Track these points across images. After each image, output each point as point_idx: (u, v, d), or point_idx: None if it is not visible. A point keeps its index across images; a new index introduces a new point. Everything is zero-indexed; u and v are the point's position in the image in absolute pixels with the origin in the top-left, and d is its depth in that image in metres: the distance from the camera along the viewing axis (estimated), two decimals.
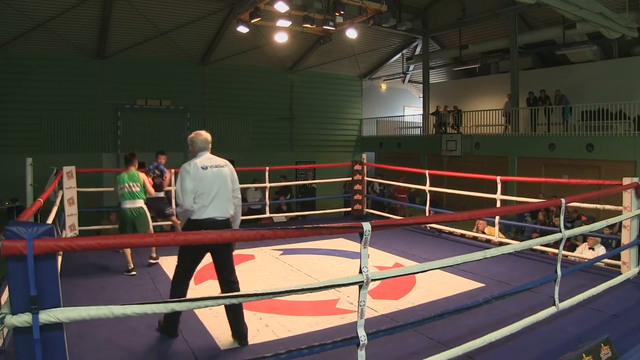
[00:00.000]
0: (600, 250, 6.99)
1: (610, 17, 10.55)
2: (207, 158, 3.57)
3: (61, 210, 5.93)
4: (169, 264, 5.53)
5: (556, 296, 3.63)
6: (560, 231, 3.69)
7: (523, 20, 15.23)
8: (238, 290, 3.44)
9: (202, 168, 3.49)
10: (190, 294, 4.47)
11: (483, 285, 4.78)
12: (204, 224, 3.37)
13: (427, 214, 7.43)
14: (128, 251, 5.12)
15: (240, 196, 3.71)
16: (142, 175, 5.46)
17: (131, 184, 5.25)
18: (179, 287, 3.52)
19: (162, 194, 6.49)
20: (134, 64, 14.81)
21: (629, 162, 11.19)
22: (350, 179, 8.80)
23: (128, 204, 5.23)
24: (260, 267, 5.41)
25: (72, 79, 14.03)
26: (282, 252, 6.25)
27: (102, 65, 14.51)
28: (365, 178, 8.74)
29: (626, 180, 4.81)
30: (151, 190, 5.57)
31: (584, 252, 7.15)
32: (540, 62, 16.94)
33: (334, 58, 17.78)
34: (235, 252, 5.82)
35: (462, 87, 19.27)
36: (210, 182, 3.45)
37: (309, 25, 10.98)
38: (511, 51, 14.94)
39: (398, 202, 12.03)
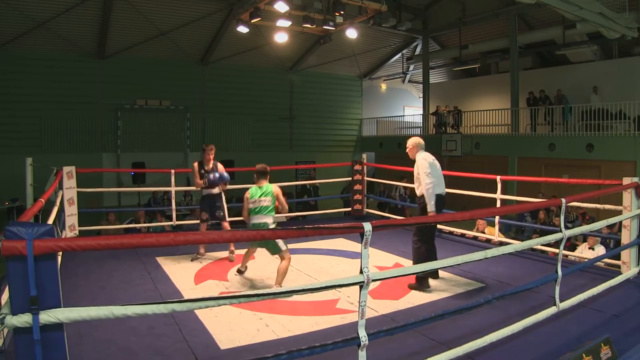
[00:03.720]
0: (600, 250, 6.99)
1: (610, 17, 10.54)
2: (429, 154, 4.99)
3: (61, 210, 5.92)
4: (168, 264, 5.54)
5: (557, 296, 3.62)
6: (561, 231, 3.69)
7: (523, 20, 15.23)
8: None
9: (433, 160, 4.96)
10: (190, 294, 4.51)
11: (483, 285, 4.78)
12: (441, 197, 4.94)
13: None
14: (247, 253, 5.05)
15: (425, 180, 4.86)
16: (276, 189, 4.95)
17: (261, 199, 4.84)
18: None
19: (216, 190, 5.97)
20: (134, 64, 14.80)
21: (629, 162, 11.19)
22: (350, 179, 8.78)
23: (254, 219, 4.83)
24: (261, 267, 5.41)
25: (72, 79, 14.03)
26: None
27: (102, 65, 14.51)
28: (366, 178, 8.74)
29: (626, 180, 4.81)
30: (285, 204, 5.00)
31: (584, 252, 7.15)
32: (540, 62, 16.94)
33: (334, 58, 17.78)
34: (235, 253, 5.87)
35: (462, 87, 19.27)
36: (438, 169, 4.99)
37: (309, 25, 10.97)
38: (511, 51, 14.94)
39: (395, 201, 11.98)
